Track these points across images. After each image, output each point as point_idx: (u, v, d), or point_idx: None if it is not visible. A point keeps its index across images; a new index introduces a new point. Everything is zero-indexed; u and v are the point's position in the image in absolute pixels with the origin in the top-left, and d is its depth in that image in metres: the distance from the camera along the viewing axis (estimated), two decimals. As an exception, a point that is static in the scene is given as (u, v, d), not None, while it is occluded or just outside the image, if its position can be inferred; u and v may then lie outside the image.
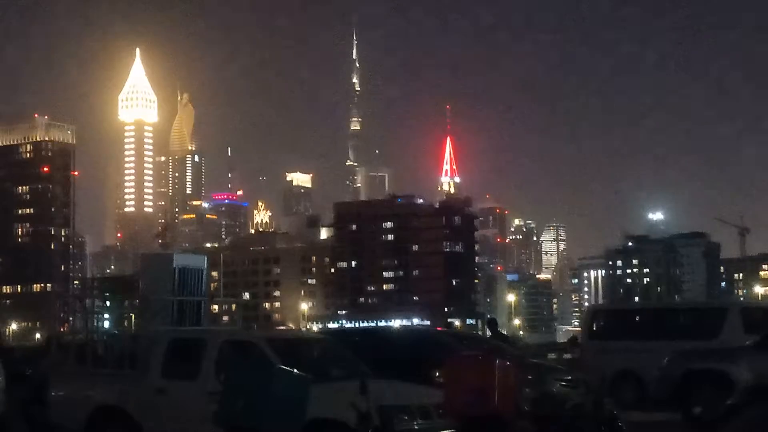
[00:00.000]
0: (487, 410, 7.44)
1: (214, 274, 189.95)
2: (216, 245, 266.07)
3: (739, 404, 10.06)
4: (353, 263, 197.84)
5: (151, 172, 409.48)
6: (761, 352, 16.52)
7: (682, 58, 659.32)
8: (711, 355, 17.57)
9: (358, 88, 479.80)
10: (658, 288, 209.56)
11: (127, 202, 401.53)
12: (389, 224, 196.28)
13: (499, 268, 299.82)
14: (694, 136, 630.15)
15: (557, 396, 13.65)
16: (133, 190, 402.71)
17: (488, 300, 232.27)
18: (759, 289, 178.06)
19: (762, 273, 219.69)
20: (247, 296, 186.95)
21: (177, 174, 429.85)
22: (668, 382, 17.10)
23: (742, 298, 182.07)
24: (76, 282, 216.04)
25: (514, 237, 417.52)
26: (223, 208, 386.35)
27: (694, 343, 19.05)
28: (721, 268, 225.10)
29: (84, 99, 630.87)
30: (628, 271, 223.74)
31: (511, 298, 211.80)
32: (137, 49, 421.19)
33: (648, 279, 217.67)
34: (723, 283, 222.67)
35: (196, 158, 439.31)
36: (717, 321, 19.91)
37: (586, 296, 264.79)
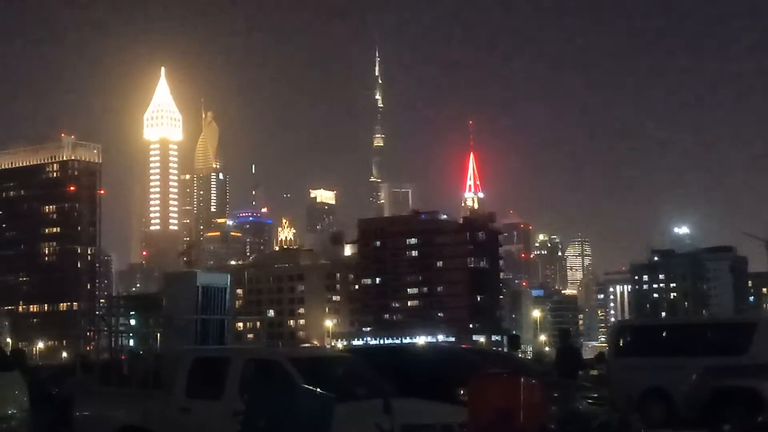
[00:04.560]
0: (512, 430, 7.34)
1: (239, 291, 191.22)
2: (241, 262, 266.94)
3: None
4: (377, 280, 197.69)
5: (176, 190, 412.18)
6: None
7: (706, 70, 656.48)
8: (740, 372, 17.31)
9: (381, 105, 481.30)
10: (685, 303, 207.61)
11: (153, 221, 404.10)
12: (413, 240, 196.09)
13: (524, 283, 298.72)
14: (719, 149, 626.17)
15: (584, 414, 13.47)
16: (158, 208, 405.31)
17: (513, 316, 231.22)
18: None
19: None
20: (272, 313, 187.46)
21: (202, 192, 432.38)
22: (697, 400, 16.86)
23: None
24: (102, 300, 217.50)
25: (538, 252, 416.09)
26: (248, 226, 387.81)
27: (722, 359, 18.78)
28: (749, 282, 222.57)
29: (109, 118, 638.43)
30: (655, 285, 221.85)
31: (536, 313, 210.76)
32: (162, 68, 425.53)
33: (674, 294, 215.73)
34: (751, 298, 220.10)
35: (221, 176, 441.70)
36: (745, 336, 19.56)
37: (612, 311, 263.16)
